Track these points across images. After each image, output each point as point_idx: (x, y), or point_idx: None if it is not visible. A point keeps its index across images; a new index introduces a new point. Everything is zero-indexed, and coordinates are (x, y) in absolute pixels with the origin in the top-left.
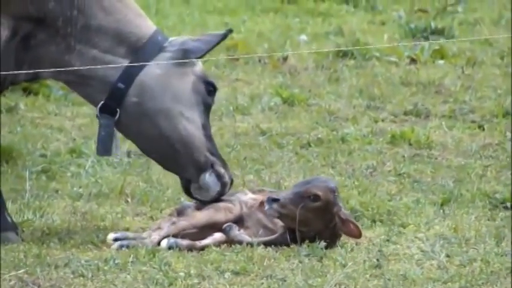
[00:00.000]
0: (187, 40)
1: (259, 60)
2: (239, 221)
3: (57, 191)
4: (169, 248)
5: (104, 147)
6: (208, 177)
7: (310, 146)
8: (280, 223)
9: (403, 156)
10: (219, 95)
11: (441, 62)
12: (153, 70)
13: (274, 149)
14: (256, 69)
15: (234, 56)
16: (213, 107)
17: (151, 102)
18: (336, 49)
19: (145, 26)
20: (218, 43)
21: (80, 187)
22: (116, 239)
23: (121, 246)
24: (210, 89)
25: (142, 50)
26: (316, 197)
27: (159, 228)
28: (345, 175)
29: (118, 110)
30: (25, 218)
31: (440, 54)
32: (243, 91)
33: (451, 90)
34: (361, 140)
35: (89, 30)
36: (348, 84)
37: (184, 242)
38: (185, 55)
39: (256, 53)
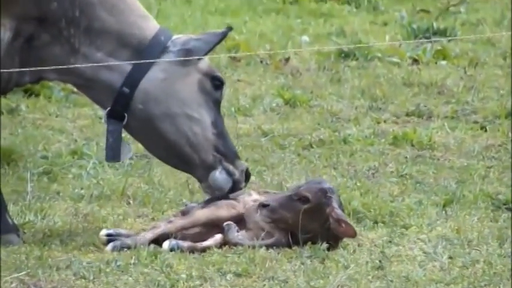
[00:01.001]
0: (189, 39)
1: (261, 61)
2: (241, 221)
3: (58, 193)
4: (171, 249)
5: (113, 153)
6: (218, 175)
7: (312, 147)
8: (266, 220)
9: (406, 157)
10: None
11: (443, 62)
12: (157, 73)
13: (276, 150)
14: (258, 70)
15: (237, 54)
16: None
17: (156, 106)
18: (337, 47)
19: (148, 27)
20: (219, 42)
21: (82, 189)
22: (108, 235)
23: (114, 247)
24: (217, 83)
25: (145, 53)
26: (305, 199)
27: (154, 227)
28: (347, 176)
29: (125, 114)
30: (26, 219)
31: (442, 54)
32: (245, 92)
33: (453, 91)
34: (363, 141)
35: (92, 32)
36: (350, 85)
37: (186, 244)
38: (187, 55)
39: (257, 54)
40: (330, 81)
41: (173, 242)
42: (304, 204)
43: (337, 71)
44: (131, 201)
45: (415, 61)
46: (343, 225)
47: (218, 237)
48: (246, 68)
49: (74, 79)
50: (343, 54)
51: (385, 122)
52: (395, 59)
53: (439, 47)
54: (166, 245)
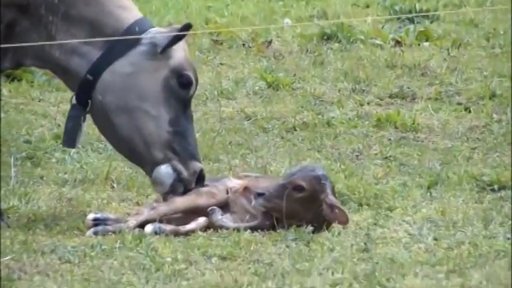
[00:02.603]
0: (157, 33)
1: (243, 44)
2: (225, 207)
3: (42, 177)
4: (154, 233)
5: (68, 139)
6: (162, 169)
7: (295, 130)
8: (261, 209)
9: (389, 140)
10: (204, 80)
11: (426, 44)
12: (123, 65)
13: (260, 133)
14: (241, 53)
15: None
16: (198, 92)
17: (113, 98)
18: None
19: (125, 17)
20: (177, 38)
21: (65, 173)
22: (95, 219)
23: (95, 233)
24: (184, 82)
25: (117, 43)
26: (300, 188)
27: (137, 213)
28: (331, 159)
29: (89, 101)
30: (10, 204)
31: (425, 36)
32: (228, 75)
33: (436, 72)
34: (347, 123)
35: (69, 20)
36: (333, 68)
37: (168, 227)
38: (154, 49)
39: (240, 37)
40: (313, 64)
41: (156, 225)
42: (300, 193)
43: (319, 54)
44: (115, 185)
45: (398, 43)
46: (337, 211)
47: (201, 220)
48: (228, 51)
49: (50, 66)
50: (325, 37)
51: (368, 104)
52: (378, 41)
53: (422, 29)
54: (149, 228)
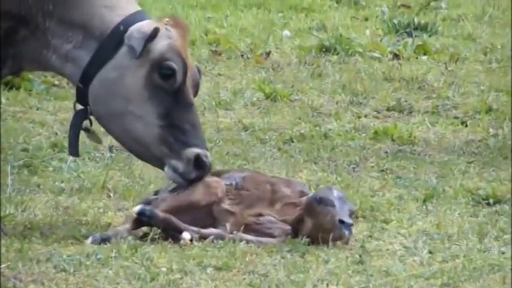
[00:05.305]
0: (131, 33)
1: (242, 55)
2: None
3: (39, 186)
4: (140, 213)
5: (71, 148)
6: (167, 171)
7: (292, 141)
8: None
9: (386, 152)
10: (202, 90)
11: (424, 57)
12: (108, 70)
13: (257, 144)
14: (239, 64)
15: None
16: (196, 102)
17: (102, 107)
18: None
19: (110, 18)
20: (147, 43)
21: (62, 182)
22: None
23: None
24: (166, 72)
25: (103, 46)
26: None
27: (129, 216)
28: (327, 171)
29: (88, 107)
30: (7, 212)
31: (423, 50)
32: (226, 86)
33: (434, 86)
34: (344, 135)
35: (63, 24)
36: (331, 80)
37: (161, 214)
38: (131, 51)
39: (238, 48)
40: (311, 76)
41: (147, 207)
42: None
43: (318, 66)
44: (112, 195)
45: (396, 56)
46: None
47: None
48: (227, 62)
49: (49, 69)
50: (324, 49)
51: (365, 116)
52: (376, 54)
53: (420, 42)
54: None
